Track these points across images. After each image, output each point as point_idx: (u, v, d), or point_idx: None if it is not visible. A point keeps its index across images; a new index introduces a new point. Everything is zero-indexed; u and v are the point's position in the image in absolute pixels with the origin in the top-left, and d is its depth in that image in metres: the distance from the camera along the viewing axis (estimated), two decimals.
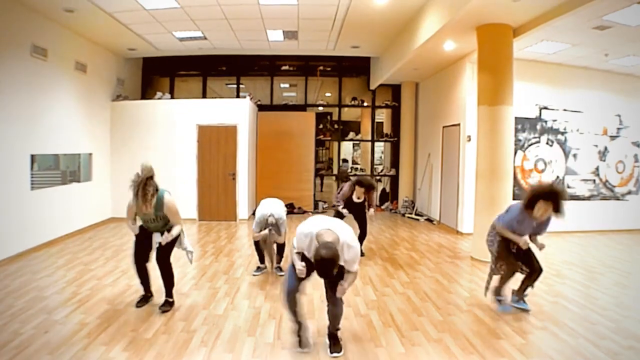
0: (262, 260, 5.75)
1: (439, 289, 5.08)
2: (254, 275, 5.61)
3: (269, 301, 4.63)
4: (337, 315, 3.53)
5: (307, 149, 11.05)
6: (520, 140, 8.29)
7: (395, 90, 11.91)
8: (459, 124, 8.60)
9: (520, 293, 4.46)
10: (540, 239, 4.30)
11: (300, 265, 3.39)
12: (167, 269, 4.39)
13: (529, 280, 4.37)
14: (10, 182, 6.18)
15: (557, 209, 3.90)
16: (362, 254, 6.63)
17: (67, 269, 5.73)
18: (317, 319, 4.15)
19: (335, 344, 3.52)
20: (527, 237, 4.27)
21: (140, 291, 4.58)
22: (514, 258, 4.35)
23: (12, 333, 3.69)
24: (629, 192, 9.16)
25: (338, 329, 3.60)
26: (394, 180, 12.08)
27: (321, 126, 12.03)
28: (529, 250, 4.33)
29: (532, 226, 4.19)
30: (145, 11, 7.12)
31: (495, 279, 4.47)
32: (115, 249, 6.78)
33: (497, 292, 4.47)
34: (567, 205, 3.98)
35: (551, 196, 3.88)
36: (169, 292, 4.45)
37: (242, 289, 5.06)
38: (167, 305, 4.39)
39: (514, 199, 6.89)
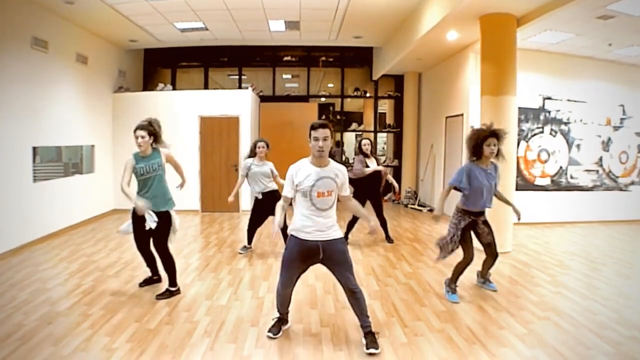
0: (249, 241, 6.22)
1: (441, 280, 5.07)
2: (240, 253, 6.03)
3: (272, 291, 4.63)
4: (361, 305, 3.40)
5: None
6: (523, 131, 8.25)
7: (398, 80, 11.86)
8: (462, 115, 8.56)
9: (484, 275, 4.80)
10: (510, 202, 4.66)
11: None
12: (164, 257, 4.48)
13: (488, 264, 4.67)
14: (12, 174, 6.19)
15: (499, 143, 4.25)
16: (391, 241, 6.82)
17: (70, 260, 5.76)
18: (319, 309, 4.18)
19: (370, 339, 3.36)
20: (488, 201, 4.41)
21: (148, 273, 4.78)
22: (471, 243, 4.47)
23: (15, 325, 3.71)
24: (632, 183, 9.13)
25: (368, 323, 3.43)
26: (397, 171, 12.05)
27: (324, 117, 12.01)
28: (490, 234, 4.48)
29: (484, 177, 4.29)
30: (146, 2, 7.09)
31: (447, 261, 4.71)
32: (118, 241, 6.79)
33: (453, 281, 4.55)
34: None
35: (494, 133, 4.23)
36: (171, 281, 4.52)
37: (245, 279, 5.08)
38: (165, 294, 4.46)
39: (516, 190, 6.90)
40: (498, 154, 4.30)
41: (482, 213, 4.47)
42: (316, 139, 3.29)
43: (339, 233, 3.40)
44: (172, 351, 3.31)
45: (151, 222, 4.33)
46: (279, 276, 3.52)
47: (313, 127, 3.31)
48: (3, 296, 4.39)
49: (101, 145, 8.89)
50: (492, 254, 4.56)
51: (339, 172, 3.37)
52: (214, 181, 9.59)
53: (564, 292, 4.69)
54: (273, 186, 6.01)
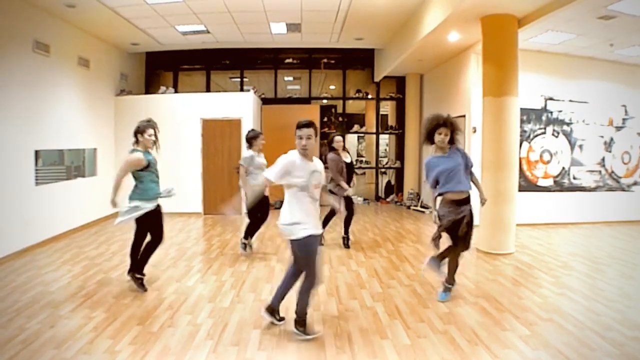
0: (246, 237, 6.26)
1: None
2: (242, 253, 6.16)
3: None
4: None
5: None
6: (525, 132, 8.23)
7: (399, 82, 11.85)
8: (464, 116, 8.55)
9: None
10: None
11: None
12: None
13: (452, 263, 4.57)
14: (14, 178, 6.20)
15: (453, 132, 4.30)
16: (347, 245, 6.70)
17: (73, 263, 5.76)
18: (321, 311, 4.17)
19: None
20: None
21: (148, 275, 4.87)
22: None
23: (18, 328, 3.71)
24: (635, 183, 9.10)
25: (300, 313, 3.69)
26: (399, 173, 12.05)
27: (326, 119, 12.01)
28: (467, 228, 4.41)
29: (446, 161, 4.33)
30: (147, 5, 7.11)
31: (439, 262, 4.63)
32: (121, 243, 6.80)
33: (448, 279, 4.55)
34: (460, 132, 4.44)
35: (446, 122, 4.26)
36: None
37: (248, 281, 5.07)
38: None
39: (519, 191, 6.88)
40: (453, 142, 4.35)
41: (464, 201, 4.40)
42: (300, 137, 3.49)
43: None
44: (175, 354, 3.31)
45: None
46: (314, 275, 3.61)
47: (298, 126, 3.51)
48: (5, 299, 4.40)
49: (103, 149, 8.90)
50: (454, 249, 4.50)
51: (320, 166, 3.67)
52: (216, 184, 9.59)
53: (568, 294, 4.68)
54: None
